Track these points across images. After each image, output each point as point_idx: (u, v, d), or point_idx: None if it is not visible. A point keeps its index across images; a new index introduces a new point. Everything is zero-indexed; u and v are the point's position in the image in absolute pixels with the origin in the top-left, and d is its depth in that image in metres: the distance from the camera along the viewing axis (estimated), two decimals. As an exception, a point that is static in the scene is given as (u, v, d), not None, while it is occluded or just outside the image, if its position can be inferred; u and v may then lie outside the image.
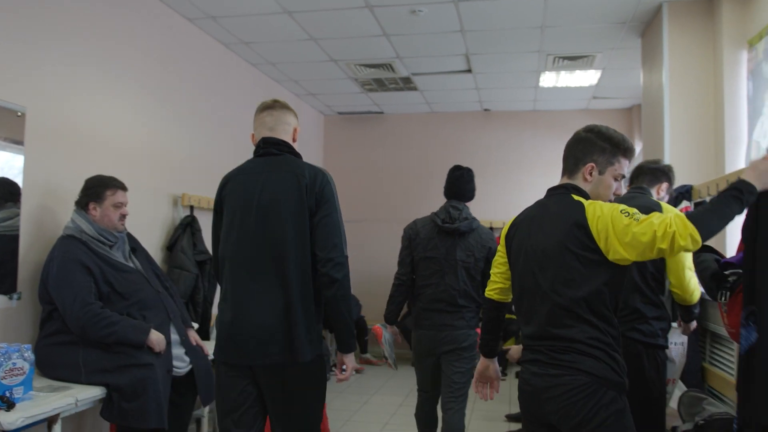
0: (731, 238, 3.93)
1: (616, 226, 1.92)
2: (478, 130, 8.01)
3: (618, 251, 1.91)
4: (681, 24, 4.46)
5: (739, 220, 2.06)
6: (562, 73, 6.22)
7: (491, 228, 7.52)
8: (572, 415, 1.94)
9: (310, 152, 7.84)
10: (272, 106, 2.61)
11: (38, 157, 3.41)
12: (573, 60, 5.78)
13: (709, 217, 1.87)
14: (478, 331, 3.01)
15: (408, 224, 3.71)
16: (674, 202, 3.66)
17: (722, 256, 2.59)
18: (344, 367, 2.51)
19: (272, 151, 2.53)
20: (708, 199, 3.57)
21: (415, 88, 6.90)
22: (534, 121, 7.86)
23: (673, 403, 3.20)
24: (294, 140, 2.63)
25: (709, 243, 3.63)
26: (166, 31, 4.64)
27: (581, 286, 1.98)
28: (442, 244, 3.52)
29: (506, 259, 2.30)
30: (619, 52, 5.56)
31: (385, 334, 3.63)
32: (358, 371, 6.86)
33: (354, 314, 6.89)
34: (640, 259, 1.92)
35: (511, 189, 7.75)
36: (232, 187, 2.55)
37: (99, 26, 3.92)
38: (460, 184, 3.69)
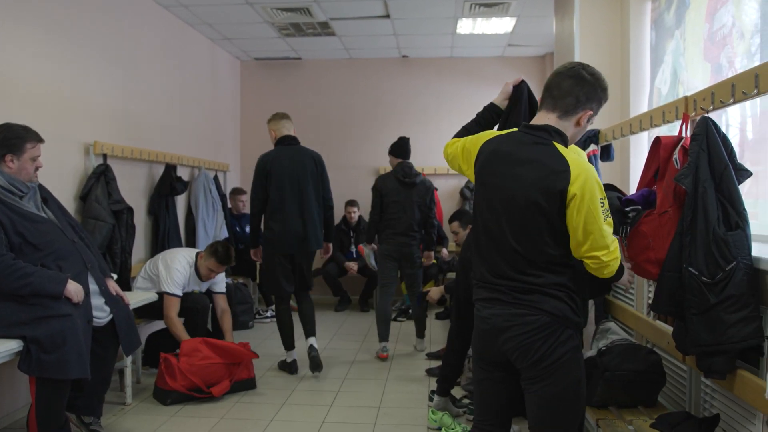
0: (635, 175, 4.21)
1: (591, 214, 1.96)
2: (397, 77, 8.04)
3: (574, 229, 1.97)
4: (591, -27, 4.60)
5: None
6: (479, 20, 6.30)
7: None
8: (532, 352, 2.00)
9: (227, 99, 7.66)
10: (286, 116, 4.89)
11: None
12: (489, 7, 5.87)
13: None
14: (421, 246, 5.49)
15: (376, 180, 5.44)
16: (582, 145, 3.85)
17: (624, 194, 2.78)
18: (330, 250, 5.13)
19: (292, 143, 4.82)
20: (613, 142, 3.78)
21: (333, 34, 6.82)
22: (452, 67, 7.95)
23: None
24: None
25: (612, 182, 3.87)
26: (69, -31, 4.38)
27: (547, 243, 2.01)
28: (403, 192, 5.31)
29: (468, 166, 2.26)
30: (533, 0, 5.68)
31: (366, 249, 5.85)
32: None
33: None
34: (574, 248, 2.01)
35: (430, 135, 7.85)
36: (275, 162, 4.68)
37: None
38: (407, 148, 5.44)
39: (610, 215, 2.00)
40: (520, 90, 2.52)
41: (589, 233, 1.96)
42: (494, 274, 2.10)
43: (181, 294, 4.50)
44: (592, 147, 3.82)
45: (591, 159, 3.80)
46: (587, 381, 2.79)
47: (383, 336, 5.33)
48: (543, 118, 2.11)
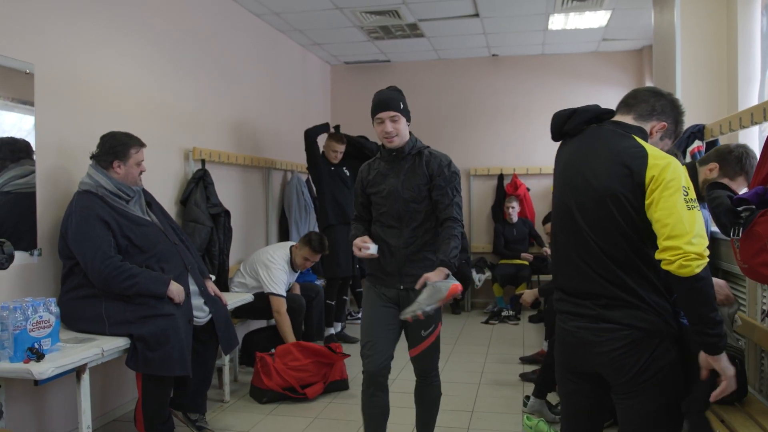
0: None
1: (671, 199, 1.78)
2: (487, 76, 7.92)
3: (652, 219, 1.82)
4: (693, -41, 4.36)
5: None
6: (572, 14, 6.10)
7: (501, 174, 7.54)
8: (626, 369, 1.89)
9: (318, 103, 7.80)
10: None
11: (49, 116, 3.42)
12: (582, 0, 5.67)
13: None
14: None
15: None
16: (686, 141, 3.65)
17: (735, 193, 2.59)
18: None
19: None
20: (720, 138, 3.55)
21: (421, 35, 6.81)
22: (543, 65, 7.74)
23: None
24: None
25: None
26: (169, -17, 4.58)
27: (629, 239, 1.88)
28: None
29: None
30: (630, -9, 5.45)
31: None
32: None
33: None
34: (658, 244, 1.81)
35: (521, 135, 7.70)
36: None
37: (102, -20, 3.87)
38: None
39: (697, 207, 1.79)
40: None
41: (668, 217, 1.77)
42: (576, 286, 1.99)
43: (285, 293, 4.63)
44: (697, 143, 3.62)
45: (696, 156, 3.59)
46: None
47: None
48: (618, 119, 2.03)
